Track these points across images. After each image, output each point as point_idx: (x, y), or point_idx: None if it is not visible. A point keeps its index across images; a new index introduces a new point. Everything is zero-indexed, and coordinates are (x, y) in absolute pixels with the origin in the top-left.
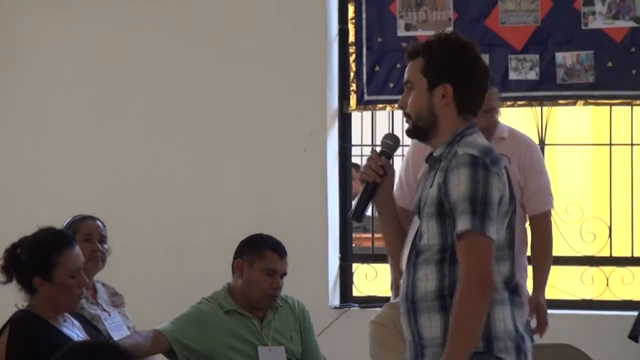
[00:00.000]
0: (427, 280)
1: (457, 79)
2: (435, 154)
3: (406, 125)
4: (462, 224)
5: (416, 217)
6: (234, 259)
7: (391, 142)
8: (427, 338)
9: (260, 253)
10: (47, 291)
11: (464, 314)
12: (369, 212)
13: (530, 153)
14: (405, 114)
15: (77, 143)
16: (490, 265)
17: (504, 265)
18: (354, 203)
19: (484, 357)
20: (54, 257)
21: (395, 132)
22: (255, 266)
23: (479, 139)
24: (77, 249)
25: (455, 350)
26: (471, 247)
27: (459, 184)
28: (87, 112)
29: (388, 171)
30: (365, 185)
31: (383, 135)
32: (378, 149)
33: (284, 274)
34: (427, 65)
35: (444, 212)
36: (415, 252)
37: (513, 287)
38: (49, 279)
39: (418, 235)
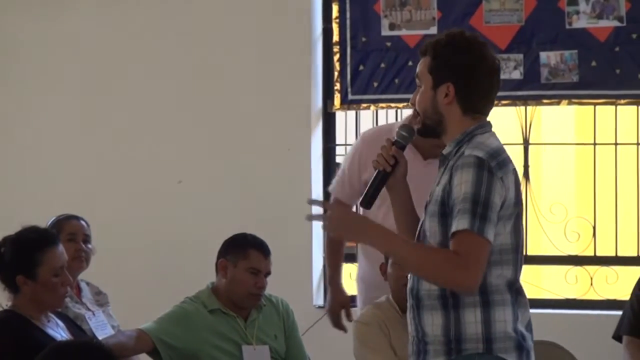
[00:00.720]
0: None
1: (458, 79)
2: (444, 152)
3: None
4: (462, 223)
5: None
6: (218, 258)
7: (405, 133)
8: (430, 335)
9: (244, 253)
10: (31, 290)
11: (430, 262)
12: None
13: None
14: (415, 112)
15: (62, 142)
16: (482, 268)
17: (507, 269)
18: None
19: (485, 358)
20: (37, 256)
21: None
22: (240, 266)
23: (490, 139)
24: (61, 247)
25: (388, 241)
26: (468, 245)
27: (461, 183)
28: (71, 111)
29: (400, 161)
30: (377, 173)
31: (399, 125)
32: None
33: (268, 273)
34: (432, 63)
35: (446, 212)
36: None
37: (517, 289)
38: (32, 277)
39: (422, 232)
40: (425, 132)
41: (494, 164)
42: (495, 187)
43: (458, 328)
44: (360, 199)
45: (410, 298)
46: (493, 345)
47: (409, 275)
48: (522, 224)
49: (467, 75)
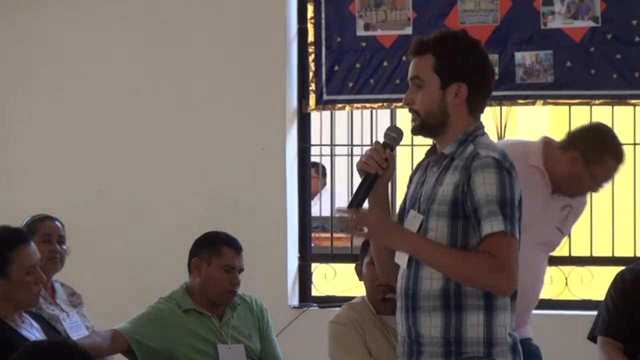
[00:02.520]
0: (432, 279)
1: (471, 79)
2: (445, 152)
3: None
4: (496, 225)
5: (413, 211)
6: (190, 257)
7: (395, 135)
8: (426, 337)
9: (217, 250)
10: (3, 289)
11: (469, 266)
12: (327, 213)
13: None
14: (413, 111)
15: (36, 142)
16: (518, 269)
17: None
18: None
19: None
20: (9, 254)
21: (354, 131)
22: (214, 263)
23: (490, 140)
24: (33, 246)
25: (422, 247)
26: (505, 247)
27: (485, 185)
28: (48, 111)
29: (390, 164)
30: (365, 176)
31: (387, 127)
32: (381, 140)
33: (241, 269)
34: (440, 63)
35: (458, 214)
36: None
37: (514, 293)
38: (4, 276)
39: (422, 231)
40: (422, 131)
41: (508, 164)
42: (516, 187)
43: (459, 330)
44: (349, 201)
45: (404, 298)
46: (493, 349)
47: (401, 276)
48: (520, 227)
49: (479, 74)
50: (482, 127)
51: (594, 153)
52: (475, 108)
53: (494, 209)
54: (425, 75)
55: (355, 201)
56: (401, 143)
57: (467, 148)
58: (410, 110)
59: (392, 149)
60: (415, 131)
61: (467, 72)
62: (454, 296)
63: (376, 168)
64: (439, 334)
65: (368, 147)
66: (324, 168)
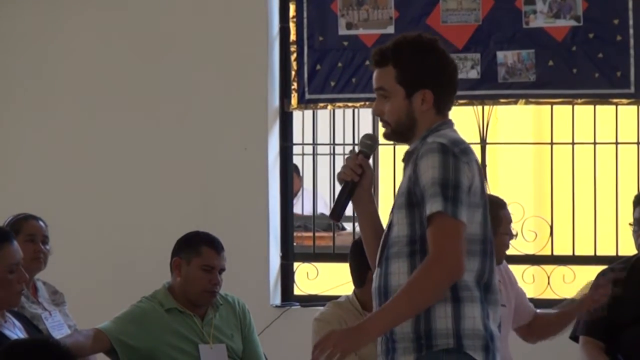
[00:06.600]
0: (400, 274)
1: (434, 84)
2: (410, 149)
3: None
4: (434, 206)
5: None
6: (172, 257)
7: (369, 142)
8: (398, 333)
9: (197, 250)
10: None
11: (417, 284)
12: (309, 212)
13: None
14: (384, 121)
15: (19, 141)
16: (461, 247)
17: (473, 260)
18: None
19: (454, 355)
20: None
21: (336, 130)
22: (193, 263)
23: (451, 132)
24: (15, 244)
25: (383, 314)
26: (443, 228)
27: (428, 169)
28: (30, 109)
29: (366, 170)
30: (344, 185)
31: (362, 135)
32: (357, 148)
33: (223, 269)
34: (402, 74)
35: (413, 202)
36: (387, 245)
37: (486, 285)
38: None
39: (390, 228)
40: (393, 137)
41: (457, 150)
42: (462, 170)
43: (428, 323)
44: (330, 211)
45: (377, 297)
46: (463, 341)
47: (375, 274)
48: (488, 217)
49: (442, 77)
50: (448, 122)
51: None
52: (442, 107)
53: (434, 191)
54: (389, 86)
55: (336, 210)
56: (384, 142)
57: (425, 141)
58: (381, 120)
59: (368, 156)
60: (387, 138)
61: (430, 78)
62: None
63: (351, 175)
64: (410, 329)
65: (350, 147)
66: (295, 167)
